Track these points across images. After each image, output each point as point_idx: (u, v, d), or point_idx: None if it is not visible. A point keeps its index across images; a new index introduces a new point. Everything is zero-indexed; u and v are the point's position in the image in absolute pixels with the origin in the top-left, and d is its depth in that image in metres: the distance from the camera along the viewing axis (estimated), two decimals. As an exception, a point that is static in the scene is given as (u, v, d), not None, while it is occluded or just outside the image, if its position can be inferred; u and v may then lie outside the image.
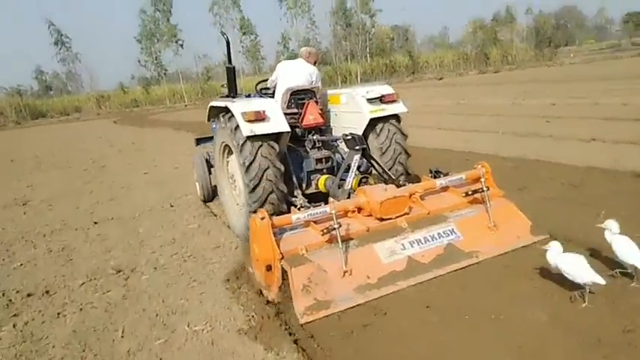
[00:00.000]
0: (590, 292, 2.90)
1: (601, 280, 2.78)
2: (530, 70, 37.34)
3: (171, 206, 6.52)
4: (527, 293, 3.13)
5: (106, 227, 5.89)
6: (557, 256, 3.01)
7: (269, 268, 3.35)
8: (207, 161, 6.23)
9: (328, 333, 2.93)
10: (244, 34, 50.22)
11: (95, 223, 6.10)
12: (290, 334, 2.95)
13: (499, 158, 7.05)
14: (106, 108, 46.88)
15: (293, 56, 50.83)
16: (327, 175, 4.85)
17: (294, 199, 4.61)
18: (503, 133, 9.44)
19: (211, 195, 6.39)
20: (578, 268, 2.87)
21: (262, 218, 3.34)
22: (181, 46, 48.48)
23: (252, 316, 3.19)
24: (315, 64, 5.43)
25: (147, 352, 2.96)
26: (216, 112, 5.03)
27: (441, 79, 40.54)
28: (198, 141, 6.83)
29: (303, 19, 51.00)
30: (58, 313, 3.59)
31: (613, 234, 3.09)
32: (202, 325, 3.18)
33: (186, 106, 41.90)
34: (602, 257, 3.37)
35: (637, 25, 68.43)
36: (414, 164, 5.37)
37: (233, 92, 5.57)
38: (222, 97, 5.75)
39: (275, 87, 5.38)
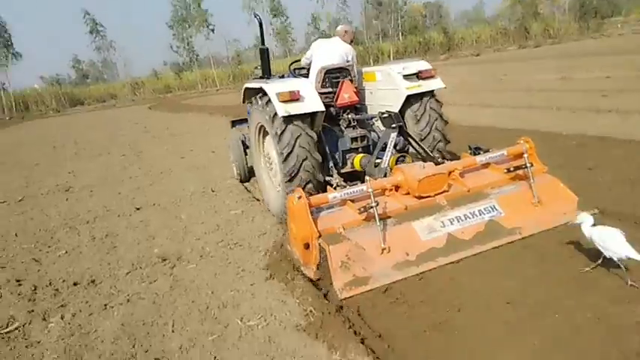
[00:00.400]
0: (626, 268, 2.81)
1: (637, 256, 2.69)
2: (573, 43, 35.78)
3: (212, 191, 6.44)
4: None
5: (148, 213, 5.88)
6: (592, 229, 2.94)
7: (307, 246, 3.40)
8: (243, 143, 6.36)
9: (398, 332, 2.71)
10: (275, 16, 50.01)
11: (137, 209, 6.10)
12: (355, 333, 2.71)
13: (559, 136, 6.67)
14: (140, 94, 48.05)
15: (324, 37, 50.61)
16: (362, 154, 4.84)
17: (329, 178, 4.62)
18: (558, 109, 8.90)
19: (247, 176, 6.59)
20: (614, 242, 2.79)
21: (299, 197, 3.39)
22: (212, 30, 48.92)
23: (311, 312, 2.99)
24: (351, 42, 5.38)
25: (199, 348, 2.80)
26: (251, 94, 5.06)
27: (478, 55, 39.48)
28: (234, 123, 6.95)
29: (335, -1, 50.10)
30: (105, 305, 3.50)
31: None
32: (256, 319, 3.03)
33: (217, 90, 42.35)
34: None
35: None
36: (460, 144, 5.16)
37: (267, 73, 5.58)
38: (255, 78, 5.81)
39: (309, 66, 5.37)
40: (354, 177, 4.66)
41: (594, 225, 2.98)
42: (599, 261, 2.93)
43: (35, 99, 43.80)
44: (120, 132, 16.32)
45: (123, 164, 9.64)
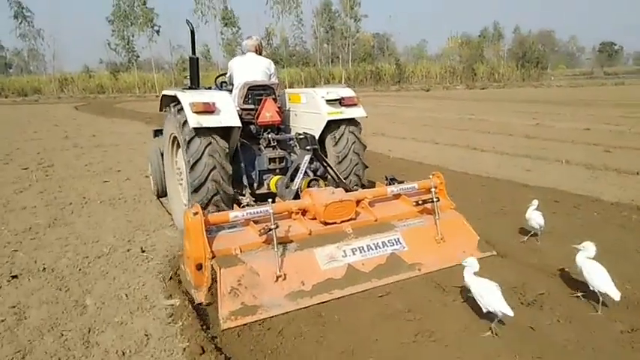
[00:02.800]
0: (499, 321, 2.90)
1: (509, 311, 2.77)
2: (518, 89, 38.51)
3: (142, 251, 4.35)
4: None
5: (28, 289, 3.63)
6: (471, 279, 3.04)
7: (199, 267, 3.31)
8: (162, 154, 6.06)
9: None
10: (226, 25, 50.03)
11: (13, 277, 3.84)
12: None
13: (604, 203, 5.61)
14: (68, 92, 46.01)
15: (274, 55, 50.85)
16: (279, 176, 4.86)
17: (241, 197, 4.60)
18: (568, 162, 8.07)
19: (165, 191, 6.18)
20: (491, 296, 2.87)
21: (195, 214, 3.31)
22: (157, 32, 48.09)
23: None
24: (260, 53, 5.49)
25: None
26: (167, 102, 4.98)
27: (428, 90, 41.45)
28: (156, 133, 6.65)
29: (290, 15, 51.23)
30: None
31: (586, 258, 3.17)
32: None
33: (157, 96, 41.18)
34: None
35: (609, 55, 72.64)
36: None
37: (195, 84, 5.54)
38: (185, 88, 5.66)
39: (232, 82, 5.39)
40: (270, 199, 4.60)
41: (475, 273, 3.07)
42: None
43: None
44: (34, 134, 14.17)
45: (20, 183, 7.33)
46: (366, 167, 5.16)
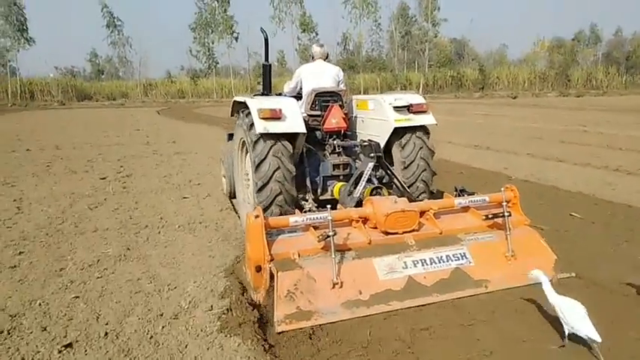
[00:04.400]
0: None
1: (597, 336, 2.66)
2: (619, 97, 35.82)
3: (229, 311, 3.32)
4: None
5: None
6: (553, 294, 2.95)
7: (258, 269, 3.43)
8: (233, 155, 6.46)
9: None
10: (304, 31, 51.04)
11: (64, 348, 2.95)
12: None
13: None
14: (152, 96, 49.34)
15: (348, 60, 50.82)
16: (343, 183, 4.95)
17: (304, 202, 4.72)
18: None
19: (235, 193, 6.52)
20: (575, 316, 2.77)
21: (256, 217, 3.43)
22: (236, 39, 50.07)
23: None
24: (326, 59, 5.66)
25: None
26: (238, 108, 5.27)
27: (515, 97, 39.96)
28: (230, 136, 6.86)
29: (368, 19, 51.28)
30: None
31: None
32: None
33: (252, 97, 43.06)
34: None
35: None
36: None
37: (267, 90, 5.80)
38: (257, 94, 5.97)
39: (300, 90, 5.60)
40: (334, 205, 4.62)
41: (552, 289, 2.98)
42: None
43: (41, 88, 45.25)
44: (116, 139, 14.81)
45: (95, 197, 7.01)
46: (434, 174, 5.10)
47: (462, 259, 3.69)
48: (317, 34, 51.53)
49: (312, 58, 5.72)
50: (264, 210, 4.25)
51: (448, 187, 4.85)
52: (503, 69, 54.12)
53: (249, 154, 4.69)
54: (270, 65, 5.90)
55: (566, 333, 2.80)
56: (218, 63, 52.02)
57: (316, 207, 4.63)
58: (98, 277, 4.04)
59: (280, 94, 5.96)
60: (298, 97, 5.55)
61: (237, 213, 5.94)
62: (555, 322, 2.98)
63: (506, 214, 3.81)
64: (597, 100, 33.76)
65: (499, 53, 59.27)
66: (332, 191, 5.03)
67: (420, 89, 48.57)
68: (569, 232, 5.06)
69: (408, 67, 54.33)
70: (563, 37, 58.20)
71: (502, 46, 61.43)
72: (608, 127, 15.02)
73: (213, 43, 50.59)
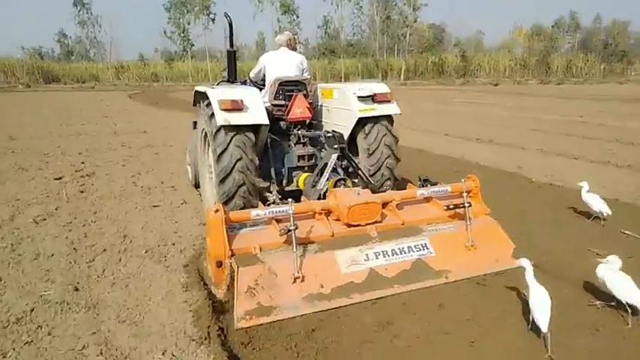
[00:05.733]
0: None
1: (545, 328, 2.81)
2: (600, 86, 35.72)
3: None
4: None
5: None
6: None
7: (219, 264, 3.41)
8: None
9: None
10: (284, 13, 49.57)
11: None
12: None
13: None
14: (123, 79, 47.87)
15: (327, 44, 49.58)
16: (308, 174, 4.94)
17: (268, 194, 4.71)
18: None
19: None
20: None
21: (216, 211, 3.40)
22: (213, 20, 48.51)
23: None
24: (295, 50, 5.60)
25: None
26: (200, 98, 5.16)
27: (496, 85, 39.80)
28: (195, 124, 6.67)
29: (350, 2, 49.94)
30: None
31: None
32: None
33: (212, 85, 41.65)
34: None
35: None
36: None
37: (232, 77, 5.84)
38: (222, 81, 6.04)
39: (263, 79, 5.50)
40: (299, 196, 4.66)
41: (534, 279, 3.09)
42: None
43: (5, 69, 43.04)
44: (81, 127, 13.64)
45: (45, 205, 5.83)
46: (399, 160, 5.11)
47: (423, 249, 3.74)
48: (297, 16, 50.48)
49: (277, 46, 5.67)
50: (228, 201, 4.26)
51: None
52: (485, 56, 53.54)
53: (210, 145, 4.62)
54: (235, 51, 5.96)
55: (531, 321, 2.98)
56: (194, 45, 50.74)
57: (280, 199, 4.64)
58: (26, 343, 2.93)
59: (245, 82, 5.89)
60: (262, 86, 5.50)
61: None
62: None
63: (466, 204, 3.89)
64: (580, 88, 33.58)
65: (476, 39, 58.58)
66: (297, 182, 5.03)
67: (402, 75, 47.86)
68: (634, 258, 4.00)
69: (388, 53, 53.36)
70: (543, 24, 58.00)
71: (478, 32, 60.55)
72: (605, 118, 14.49)
73: (189, 24, 49.31)
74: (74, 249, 4.43)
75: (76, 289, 3.61)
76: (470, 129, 12.46)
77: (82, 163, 8.50)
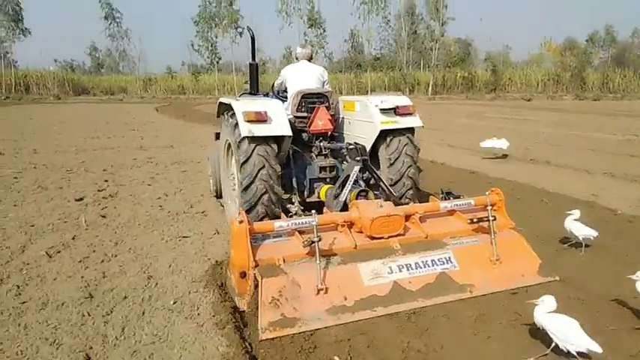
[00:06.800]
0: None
1: (597, 348, 2.71)
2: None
3: None
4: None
5: None
6: (544, 315, 2.97)
7: (243, 275, 3.44)
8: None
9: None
10: (311, 26, 49.30)
11: None
12: None
13: None
14: (151, 91, 48.66)
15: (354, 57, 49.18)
16: (329, 185, 4.98)
17: (289, 205, 4.80)
18: None
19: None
20: (569, 332, 2.82)
21: (241, 222, 3.44)
22: (240, 34, 48.56)
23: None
24: (310, 59, 5.73)
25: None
26: (224, 109, 5.27)
27: (529, 100, 38.93)
28: (218, 135, 6.73)
29: (377, 16, 49.38)
30: None
31: None
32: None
33: (236, 99, 41.49)
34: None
35: None
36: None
37: (254, 89, 5.98)
38: (244, 93, 6.21)
39: (285, 92, 5.67)
40: (320, 208, 4.69)
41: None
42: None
43: (37, 81, 44.39)
44: (107, 141, 13.38)
45: (61, 233, 5.17)
46: (420, 171, 5.14)
47: (447, 263, 3.74)
48: (324, 30, 50.03)
49: (296, 59, 5.76)
50: (250, 210, 4.34)
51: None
52: (516, 70, 52.17)
53: (233, 155, 4.73)
54: (256, 64, 6.10)
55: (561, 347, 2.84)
56: (221, 59, 50.53)
57: (302, 210, 4.71)
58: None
59: (268, 94, 6.05)
60: (284, 98, 5.60)
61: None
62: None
63: (491, 218, 3.88)
64: (619, 104, 32.27)
65: (503, 54, 57.08)
66: (318, 194, 5.08)
67: (430, 90, 46.91)
68: None
69: (415, 67, 52.46)
70: (575, 38, 56.28)
71: (505, 46, 58.82)
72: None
73: (216, 38, 49.34)
74: (89, 294, 3.71)
75: (88, 358, 2.87)
76: (520, 148, 11.50)
77: (106, 181, 7.99)
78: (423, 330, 3.20)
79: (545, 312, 2.96)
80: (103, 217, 5.85)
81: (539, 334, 3.04)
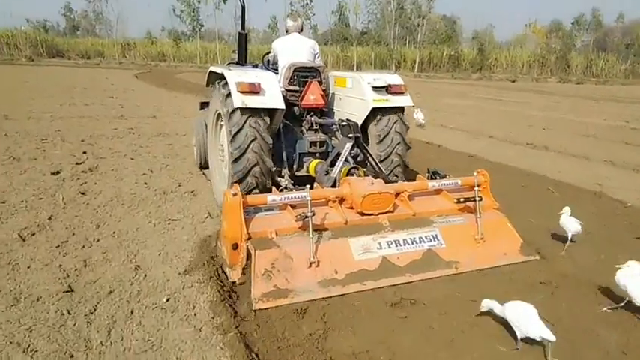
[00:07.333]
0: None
1: (551, 336, 2.71)
2: (623, 87, 34.83)
3: None
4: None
5: None
6: (498, 304, 3.01)
7: (235, 246, 3.50)
8: (207, 126, 6.27)
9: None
10: (297, -5, 47.90)
11: None
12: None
13: None
14: (130, 57, 47.23)
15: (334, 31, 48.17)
16: (319, 160, 5.04)
17: (279, 179, 4.83)
18: None
19: (207, 164, 6.34)
20: (525, 319, 2.82)
21: (234, 195, 3.50)
22: (224, 0, 46.88)
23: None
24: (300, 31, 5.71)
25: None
26: (214, 78, 5.24)
27: (514, 81, 39.19)
28: (202, 105, 6.86)
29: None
30: None
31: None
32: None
33: (230, 69, 40.30)
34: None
35: None
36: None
37: (242, 60, 5.94)
38: (231, 63, 6.10)
39: (275, 62, 5.62)
40: (309, 182, 4.57)
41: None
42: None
43: (7, 41, 42.28)
44: (85, 108, 12.65)
45: (36, 212, 4.70)
46: (409, 148, 5.21)
47: (434, 240, 3.86)
48: (310, 0, 48.29)
49: (287, 31, 5.71)
50: (240, 181, 4.36)
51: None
52: (502, 51, 51.96)
53: (224, 125, 4.72)
54: (246, 34, 6.01)
55: (519, 337, 2.84)
56: (203, 25, 49.29)
57: (292, 184, 4.76)
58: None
59: (257, 65, 6.03)
60: (274, 70, 5.55)
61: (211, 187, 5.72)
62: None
63: (477, 198, 4.00)
64: (602, 88, 32.69)
65: (487, 33, 56.82)
66: (307, 168, 5.11)
67: (416, 67, 46.43)
68: None
69: (400, 43, 51.91)
70: (561, 20, 56.49)
71: (489, 25, 58.76)
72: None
73: (199, 3, 47.64)
74: (69, 287, 3.29)
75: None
76: (513, 131, 11.59)
77: (84, 153, 7.44)
78: (448, 340, 2.93)
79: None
80: (83, 194, 5.39)
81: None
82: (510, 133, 11.03)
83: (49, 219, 4.54)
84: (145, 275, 3.53)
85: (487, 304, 3.04)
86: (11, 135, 8.45)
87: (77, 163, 6.72)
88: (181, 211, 4.97)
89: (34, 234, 4.17)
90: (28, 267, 3.55)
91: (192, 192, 5.64)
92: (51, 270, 3.51)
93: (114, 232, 4.32)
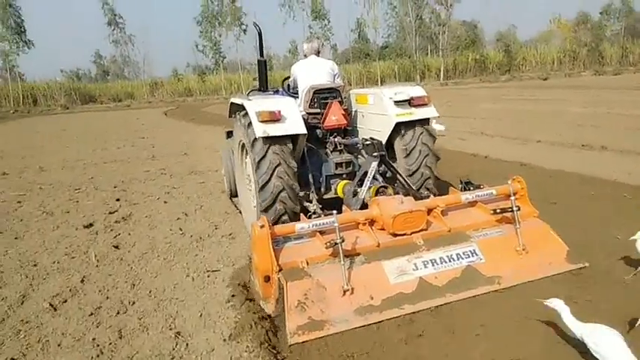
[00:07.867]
0: None
1: None
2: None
3: None
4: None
5: None
6: (583, 328, 2.65)
7: (267, 279, 3.43)
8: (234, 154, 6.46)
9: None
10: (315, 18, 48.59)
11: None
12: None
13: None
14: (158, 95, 48.56)
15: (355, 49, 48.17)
16: (347, 181, 4.97)
17: (307, 204, 4.74)
18: None
19: (237, 192, 6.43)
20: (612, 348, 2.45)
21: (262, 226, 3.45)
22: (244, 31, 47.88)
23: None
24: (318, 53, 5.69)
25: None
26: (236, 109, 5.24)
27: (545, 79, 38.24)
28: (229, 134, 6.85)
29: (382, 2, 48.27)
30: None
31: None
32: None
33: (248, 98, 40.78)
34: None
35: None
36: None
37: (263, 86, 5.99)
38: (253, 90, 6.21)
39: (295, 86, 5.63)
40: (338, 204, 4.61)
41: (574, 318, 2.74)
42: None
43: (44, 92, 44.27)
44: (117, 151, 12.66)
45: (65, 275, 4.40)
46: (438, 159, 5.10)
47: (473, 256, 3.70)
48: (329, 21, 49.20)
49: (305, 55, 5.73)
50: (268, 208, 4.34)
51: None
52: (529, 49, 50.68)
53: (249, 155, 4.72)
54: (265, 61, 6.09)
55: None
56: (225, 57, 50.03)
57: (321, 208, 4.63)
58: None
59: (278, 90, 6.09)
60: (294, 94, 5.59)
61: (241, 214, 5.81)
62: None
63: (514, 207, 3.83)
64: (640, 78, 31.11)
65: (510, 34, 55.57)
66: (335, 190, 5.05)
67: (441, 75, 45.75)
68: None
69: (423, 53, 51.51)
70: (588, 11, 54.61)
71: (511, 26, 57.47)
72: None
73: (220, 37, 48.89)
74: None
75: None
76: (561, 132, 10.70)
77: (117, 200, 7.32)
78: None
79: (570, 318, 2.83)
80: (116, 247, 5.15)
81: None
82: (559, 135, 10.31)
83: (82, 281, 4.27)
84: (187, 345, 3.12)
85: (557, 305, 2.79)
86: (45, 187, 8.46)
87: (110, 212, 6.57)
88: (220, 259, 4.60)
89: (65, 301, 3.89)
90: (59, 345, 3.20)
91: (230, 235, 5.27)
92: (83, 346, 3.17)
93: (150, 292, 3.99)
